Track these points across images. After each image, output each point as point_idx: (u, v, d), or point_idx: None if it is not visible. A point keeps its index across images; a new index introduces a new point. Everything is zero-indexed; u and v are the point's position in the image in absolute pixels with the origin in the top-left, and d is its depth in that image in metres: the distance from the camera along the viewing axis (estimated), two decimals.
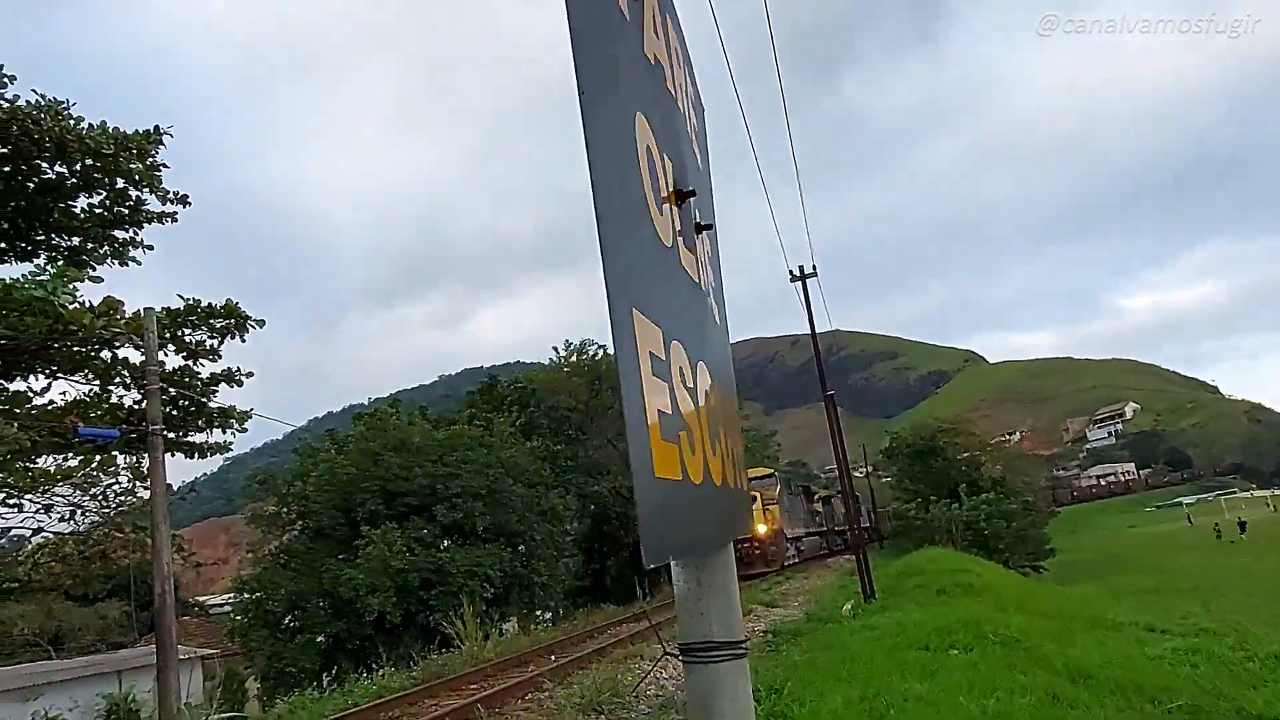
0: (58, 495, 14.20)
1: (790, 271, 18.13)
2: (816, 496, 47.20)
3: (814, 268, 18.08)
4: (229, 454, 17.38)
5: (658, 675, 10.36)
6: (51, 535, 15.15)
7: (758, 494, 30.02)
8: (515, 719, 7.80)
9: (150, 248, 15.28)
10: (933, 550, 28.33)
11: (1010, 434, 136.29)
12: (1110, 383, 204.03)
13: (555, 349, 37.29)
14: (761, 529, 29.99)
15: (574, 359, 35.43)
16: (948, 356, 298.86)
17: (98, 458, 14.47)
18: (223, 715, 9.11)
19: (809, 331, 18.70)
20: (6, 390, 13.80)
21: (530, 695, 8.92)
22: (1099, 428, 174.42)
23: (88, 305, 12.94)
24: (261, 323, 16.03)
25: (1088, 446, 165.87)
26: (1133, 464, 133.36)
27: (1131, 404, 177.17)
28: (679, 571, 1.84)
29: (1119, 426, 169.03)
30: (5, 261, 14.21)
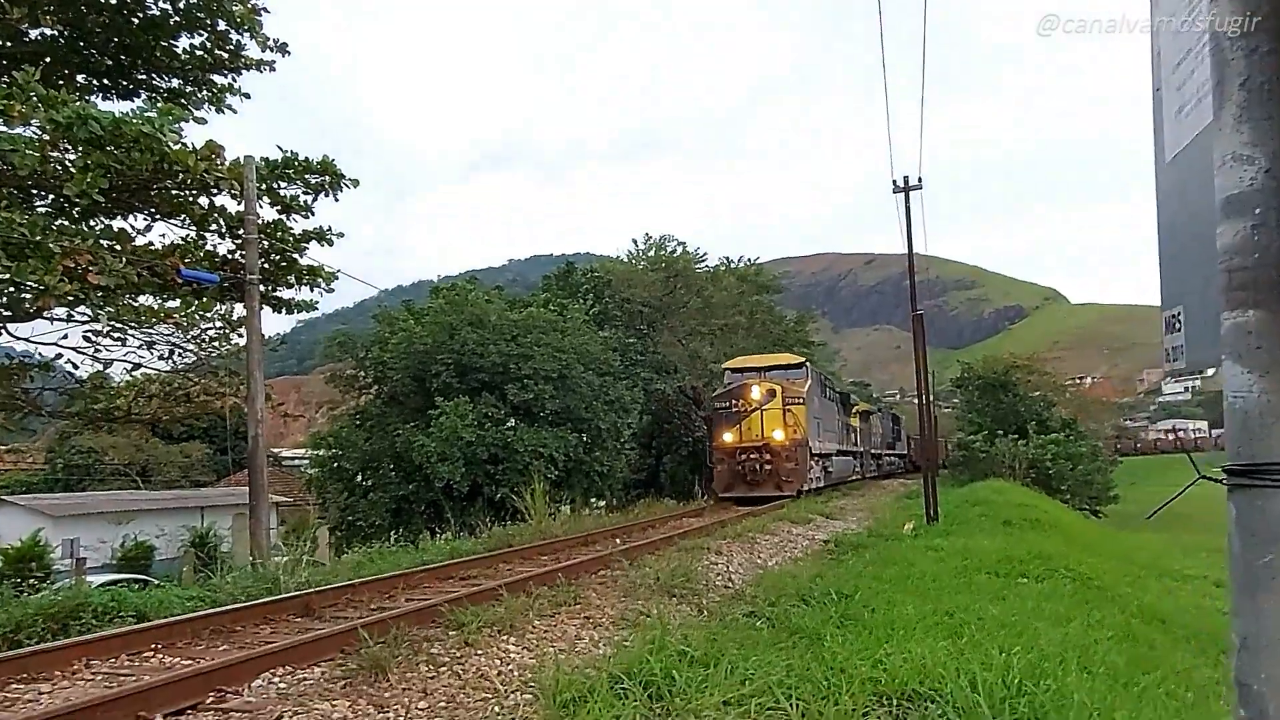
0: (158, 334, 14.76)
1: (894, 181, 17.38)
2: (855, 409, 36.59)
3: (920, 179, 17.28)
4: (304, 315, 17.81)
5: (725, 568, 10.50)
6: (151, 371, 15.82)
7: (778, 387, 23.03)
8: (593, 590, 8.00)
9: (247, 96, 15.29)
10: (997, 482, 27.98)
11: (1083, 378, 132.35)
12: None
13: (634, 241, 37.10)
14: (779, 435, 22.42)
15: (651, 254, 35.08)
16: (1027, 292, 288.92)
17: (195, 301, 14.91)
18: (303, 554, 9.59)
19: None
20: (111, 227, 14.20)
21: (602, 572, 9.13)
22: (1176, 382, 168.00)
23: (190, 148, 13.07)
24: (356, 182, 16.04)
25: (1160, 399, 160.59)
26: (1205, 423, 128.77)
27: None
28: (1236, 370, 1.53)
29: (1197, 383, 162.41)
30: (108, 99, 14.42)
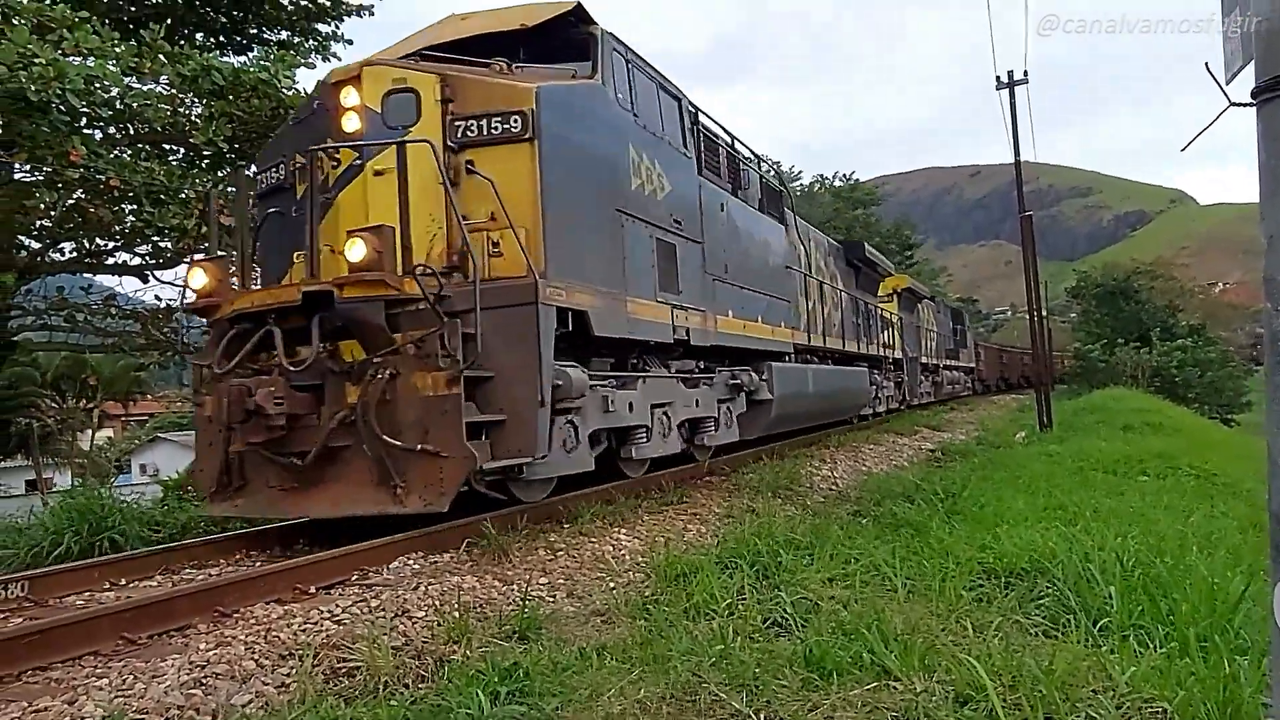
0: None
1: (997, 77, 16.46)
2: (880, 276, 23.93)
3: (1025, 73, 16.30)
4: None
5: (830, 474, 10.58)
6: None
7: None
8: (699, 492, 8.24)
9: (350, 42, 15.72)
10: (1116, 390, 26.83)
11: (1214, 284, 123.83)
12: None
13: None
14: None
15: None
16: (1150, 195, 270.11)
17: None
18: None
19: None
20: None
21: (707, 477, 9.33)
22: None
23: (303, 93, 13.59)
24: None
25: None
26: None
27: None
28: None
29: None
30: (224, 55, 15.10)
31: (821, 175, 36.39)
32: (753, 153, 11.85)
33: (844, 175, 37.55)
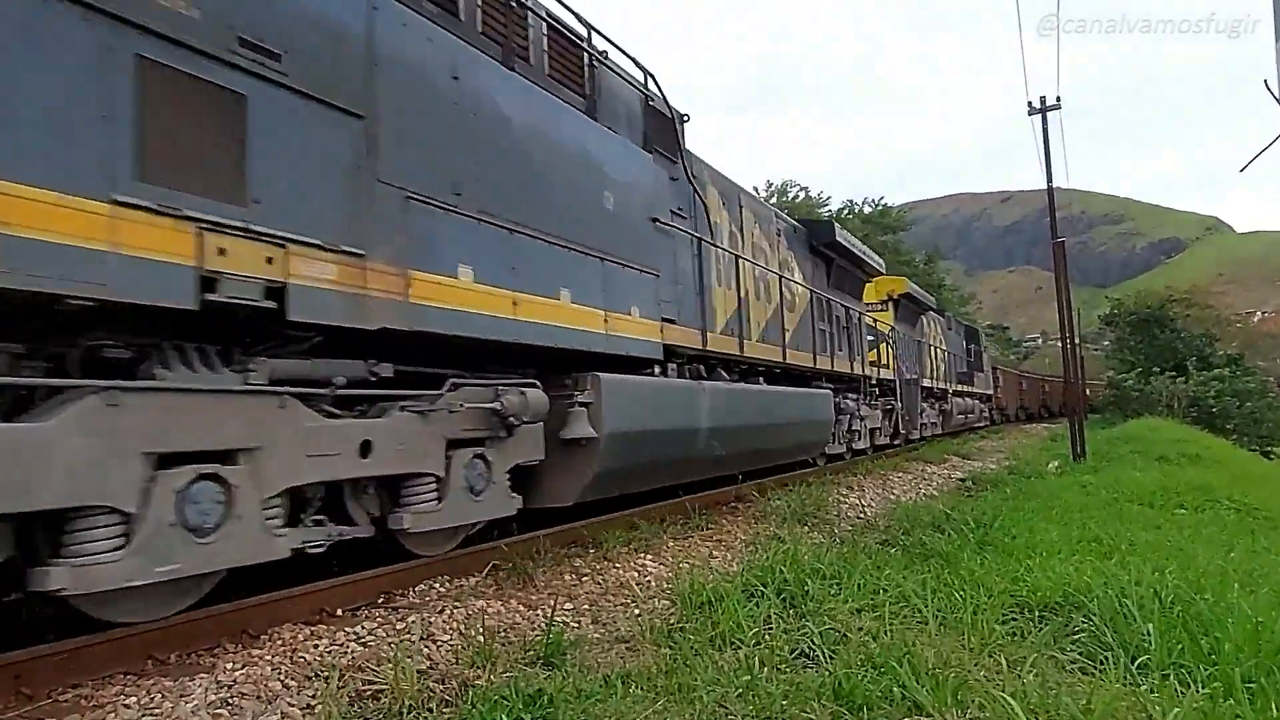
0: None
1: (1029, 103, 16.39)
2: (865, 275, 18.86)
3: (1058, 98, 16.22)
4: None
5: (858, 501, 10.47)
6: None
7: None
8: (724, 518, 8.18)
9: None
10: (1152, 420, 26.34)
11: (1252, 313, 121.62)
12: None
13: (755, 189, 36.67)
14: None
15: (773, 200, 34.59)
16: (1184, 223, 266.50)
17: None
18: None
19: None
20: None
21: (733, 504, 9.28)
22: None
23: None
24: None
25: None
26: None
27: None
28: None
29: None
30: None
31: (850, 200, 36.21)
32: (616, 46, 7.58)
33: (873, 200, 37.46)
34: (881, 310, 17.29)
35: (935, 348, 22.03)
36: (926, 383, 20.00)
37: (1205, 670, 3.69)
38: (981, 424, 29.28)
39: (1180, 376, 33.77)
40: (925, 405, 19.75)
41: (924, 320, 21.04)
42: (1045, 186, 17.13)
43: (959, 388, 24.86)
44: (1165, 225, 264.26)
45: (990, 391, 31.75)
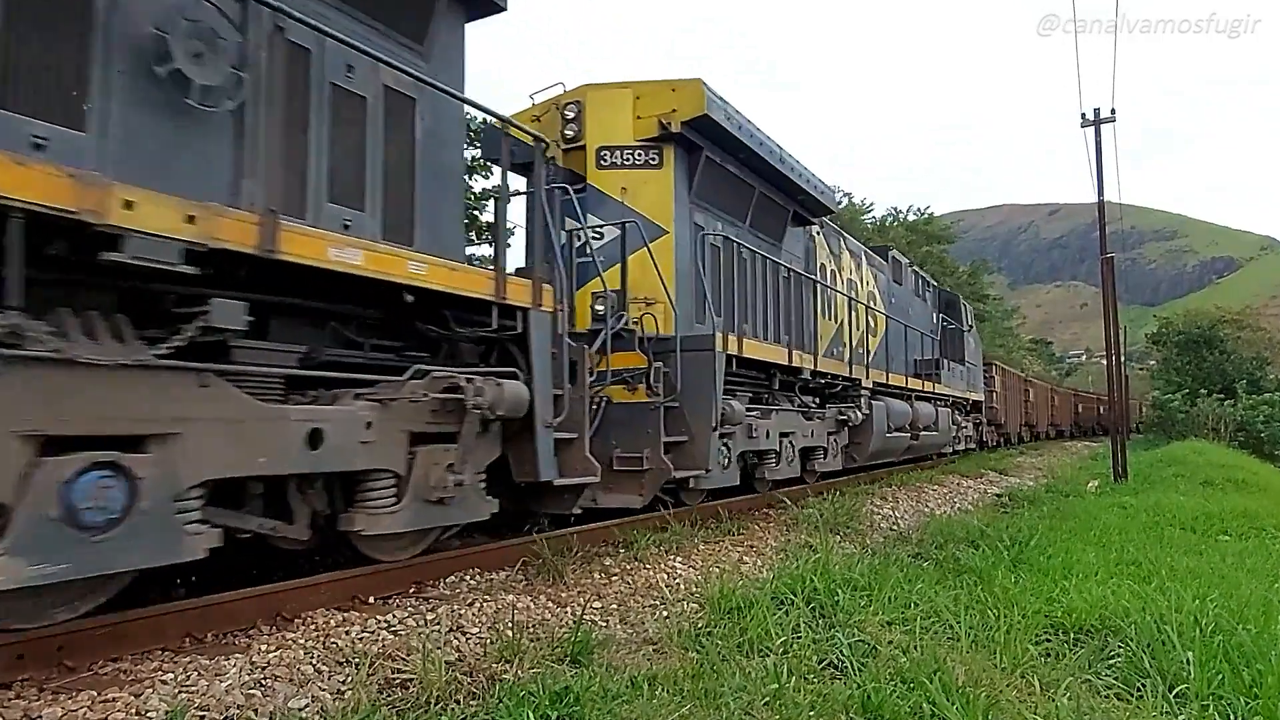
0: None
1: (1082, 114, 16.08)
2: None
3: (1112, 110, 15.89)
4: None
5: (891, 512, 10.36)
6: None
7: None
8: (756, 525, 8.15)
9: None
10: (1197, 442, 25.70)
11: None
12: None
13: None
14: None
15: None
16: (1239, 241, 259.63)
17: None
18: None
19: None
20: None
21: (765, 510, 9.23)
22: None
23: None
24: None
25: None
26: None
27: None
28: None
29: None
30: None
31: (895, 208, 35.78)
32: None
33: (919, 209, 36.96)
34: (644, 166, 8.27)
35: (850, 300, 12.99)
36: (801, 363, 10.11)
37: (1246, 704, 3.60)
38: (958, 449, 18.81)
39: (1228, 399, 32.90)
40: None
41: (811, 234, 12.08)
42: (1095, 200, 16.79)
43: (918, 386, 15.65)
44: (1219, 243, 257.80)
45: (979, 397, 21.52)
